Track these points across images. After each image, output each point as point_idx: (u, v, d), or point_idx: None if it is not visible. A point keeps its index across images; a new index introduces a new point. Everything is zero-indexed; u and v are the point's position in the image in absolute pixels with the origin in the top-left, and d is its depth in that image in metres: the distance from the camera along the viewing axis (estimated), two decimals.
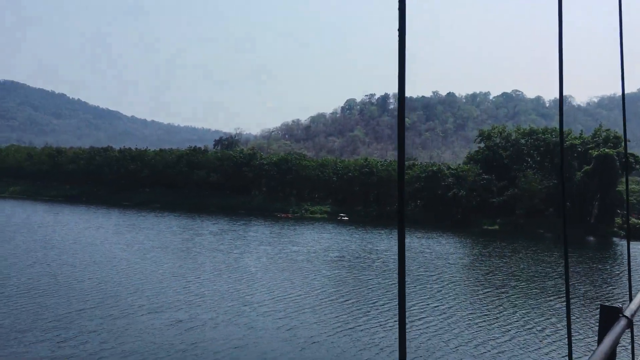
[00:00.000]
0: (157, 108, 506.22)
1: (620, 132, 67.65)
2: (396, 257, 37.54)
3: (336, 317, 22.03)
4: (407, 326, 17.47)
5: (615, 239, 60.49)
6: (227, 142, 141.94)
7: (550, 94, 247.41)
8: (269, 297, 24.96)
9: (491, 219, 67.25)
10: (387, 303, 24.59)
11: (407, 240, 36.67)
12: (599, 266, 39.14)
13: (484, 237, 56.55)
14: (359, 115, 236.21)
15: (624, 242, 57.16)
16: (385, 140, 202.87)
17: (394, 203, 78.00)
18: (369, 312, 22.96)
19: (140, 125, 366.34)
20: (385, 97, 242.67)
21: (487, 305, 25.18)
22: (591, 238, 59.59)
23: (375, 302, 24.84)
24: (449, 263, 37.42)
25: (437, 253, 42.27)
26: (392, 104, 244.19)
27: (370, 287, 28.30)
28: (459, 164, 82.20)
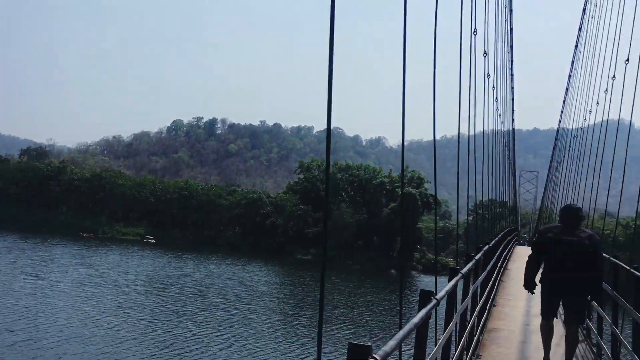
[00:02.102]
0: None
1: (423, 174, 74.28)
2: (196, 283, 37.11)
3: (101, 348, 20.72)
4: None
5: (414, 272, 65.63)
6: (36, 153, 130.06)
7: (366, 134, 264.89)
8: (32, 325, 22.80)
9: (306, 249, 69.23)
10: (168, 332, 23.79)
11: (212, 267, 36.13)
12: (392, 297, 41.94)
13: (296, 267, 58.03)
14: (184, 137, 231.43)
15: (421, 276, 62.32)
16: (210, 164, 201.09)
17: (212, 228, 77.13)
18: (143, 341, 21.94)
19: None
20: (213, 122, 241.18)
21: (277, 333, 25.59)
22: (393, 271, 64.00)
23: (153, 330, 23.89)
24: (247, 290, 37.32)
25: (241, 280, 42.19)
26: (220, 128, 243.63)
27: (156, 314, 27.27)
28: (279, 193, 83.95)
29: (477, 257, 8.15)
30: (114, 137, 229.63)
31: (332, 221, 70.00)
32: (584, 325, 9.79)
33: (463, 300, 7.13)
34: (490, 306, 10.54)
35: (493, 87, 19.27)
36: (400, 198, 68.28)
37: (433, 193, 60.78)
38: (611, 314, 8.09)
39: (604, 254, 9.65)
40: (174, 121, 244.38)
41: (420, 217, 70.43)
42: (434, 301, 3.96)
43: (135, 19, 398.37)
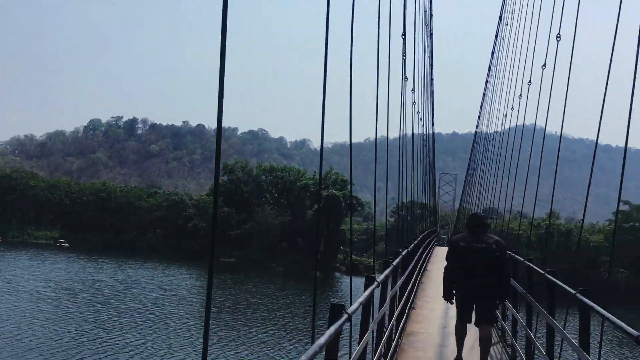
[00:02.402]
0: None
1: (347, 176, 74.97)
2: (112, 288, 35.65)
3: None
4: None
5: (337, 273, 66.03)
6: None
7: (291, 136, 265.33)
8: None
9: (229, 251, 68.21)
10: (77, 339, 22.70)
11: (130, 271, 34.89)
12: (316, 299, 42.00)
13: (218, 269, 57.12)
14: (103, 137, 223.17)
15: (344, 277, 62.79)
16: (130, 165, 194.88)
17: (132, 231, 74.64)
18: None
19: None
20: (133, 121, 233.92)
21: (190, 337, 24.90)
22: (318, 273, 64.13)
23: (60, 338, 22.72)
24: (166, 294, 36.16)
25: (160, 284, 40.94)
26: (141, 128, 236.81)
27: (65, 321, 25.98)
28: (202, 195, 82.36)
29: (394, 264, 8.03)
30: (25, 136, 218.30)
31: (256, 223, 69.35)
32: (499, 326, 10.04)
33: (381, 307, 6.98)
34: (409, 309, 10.49)
35: (413, 90, 19.50)
36: (319, 200, 68.66)
37: (355, 195, 61.35)
38: (525, 317, 8.18)
39: (517, 256, 9.89)
40: (91, 120, 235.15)
41: (344, 219, 70.96)
42: (345, 316, 3.65)
43: (50, 11, 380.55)
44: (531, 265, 8.25)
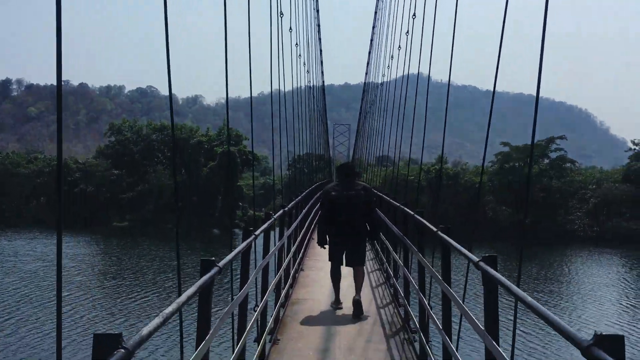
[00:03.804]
0: None
1: (242, 131, 73.76)
2: None
3: None
4: None
5: (236, 230, 65.49)
6: None
7: (182, 93, 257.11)
8: None
9: (121, 215, 65.53)
10: None
11: (4, 243, 32.49)
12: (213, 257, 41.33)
13: (110, 235, 54.80)
14: None
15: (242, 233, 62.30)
16: (7, 130, 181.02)
17: (12, 201, 69.58)
18: None
19: None
20: (6, 82, 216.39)
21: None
22: (216, 230, 63.28)
23: None
24: (47, 266, 33.75)
25: (40, 255, 38.34)
26: (16, 90, 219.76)
27: None
28: (88, 159, 78.03)
29: (275, 216, 7.73)
30: None
31: (148, 184, 66.92)
32: (385, 269, 10.54)
33: (264, 256, 6.76)
34: (295, 272, 10.16)
35: (296, 44, 19.01)
36: (220, 157, 67.39)
37: (252, 150, 60.73)
38: (402, 258, 8.41)
39: (394, 202, 10.16)
40: None
41: (241, 175, 70.13)
42: (215, 269, 3.61)
43: None
44: (405, 208, 8.44)
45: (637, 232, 47.82)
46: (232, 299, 4.67)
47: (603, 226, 49.93)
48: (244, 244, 5.15)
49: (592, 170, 68.20)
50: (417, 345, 6.28)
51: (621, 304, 25.70)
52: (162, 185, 66.29)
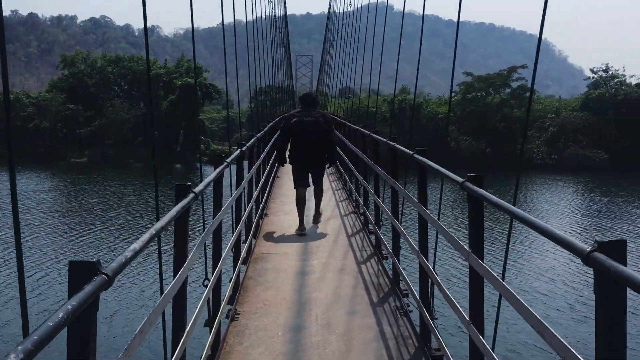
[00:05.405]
0: None
1: (201, 63, 71.85)
2: None
3: None
4: None
5: (198, 164, 64.77)
6: None
7: (138, 24, 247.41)
8: None
9: (79, 151, 64.00)
10: None
11: None
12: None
13: (67, 171, 53.63)
14: None
15: (207, 167, 61.88)
16: None
17: None
18: None
19: None
20: None
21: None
22: (178, 165, 62.54)
23: None
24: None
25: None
26: None
27: None
28: (40, 92, 75.12)
29: (245, 147, 7.52)
30: None
31: (106, 119, 65.16)
32: (354, 199, 10.67)
33: (237, 186, 6.60)
34: (259, 217, 9.07)
35: None
36: (178, 90, 65.77)
37: (212, 82, 59.32)
38: (373, 185, 8.38)
39: (362, 129, 10.10)
40: None
41: (202, 108, 68.77)
42: (191, 195, 3.51)
43: None
44: (377, 137, 8.36)
45: (592, 159, 49.27)
46: (205, 229, 4.51)
47: (561, 154, 51.17)
48: (217, 171, 4.97)
49: (551, 99, 69.10)
50: (412, 316, 5.24)
51: (571, 232, 26.39)
52: (120, 119, 64.65)
